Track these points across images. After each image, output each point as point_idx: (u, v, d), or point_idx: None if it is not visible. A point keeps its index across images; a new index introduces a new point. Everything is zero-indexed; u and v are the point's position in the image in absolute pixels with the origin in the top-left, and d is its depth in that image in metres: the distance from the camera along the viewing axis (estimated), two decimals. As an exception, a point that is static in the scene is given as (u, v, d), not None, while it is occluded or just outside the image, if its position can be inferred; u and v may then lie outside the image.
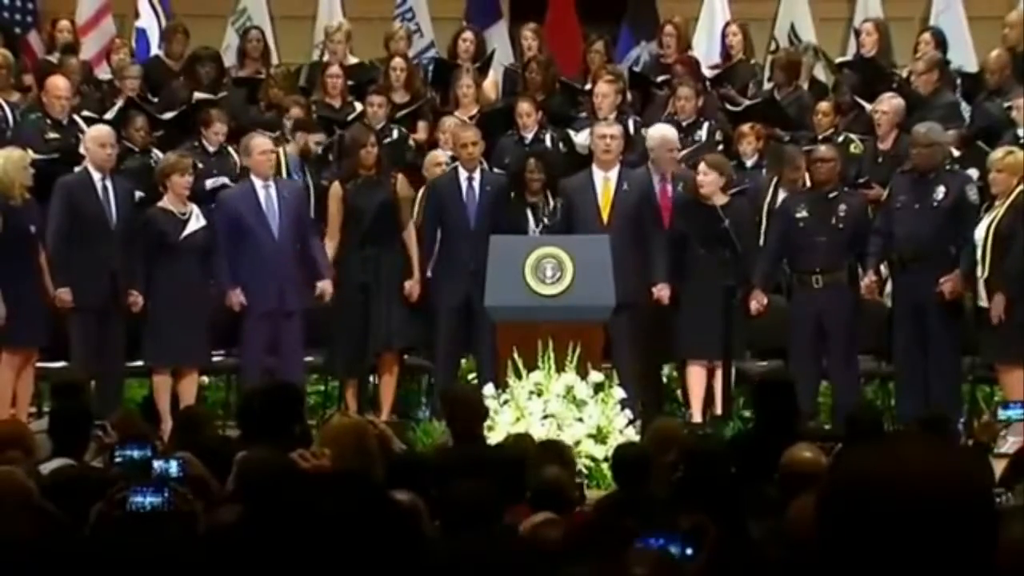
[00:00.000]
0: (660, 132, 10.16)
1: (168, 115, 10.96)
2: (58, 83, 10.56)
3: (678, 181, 10.03)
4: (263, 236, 9.71)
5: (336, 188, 9.96)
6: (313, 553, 2.12)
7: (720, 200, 9.66)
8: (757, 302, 9.73)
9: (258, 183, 9.79)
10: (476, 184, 9.97)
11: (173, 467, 5.17)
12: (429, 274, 9.96)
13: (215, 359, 9.95)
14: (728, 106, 10.99)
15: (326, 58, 11.92)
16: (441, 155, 10.41)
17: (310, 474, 4.90)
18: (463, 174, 9.99)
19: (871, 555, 2.00)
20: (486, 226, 9.69)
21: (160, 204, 9.68)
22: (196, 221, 9.65)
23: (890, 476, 2.01)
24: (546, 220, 9.80)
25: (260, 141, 9.88)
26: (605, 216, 9.77)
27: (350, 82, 11.62)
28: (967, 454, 2.26)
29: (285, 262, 9.71)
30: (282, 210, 9.75)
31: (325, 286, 9.76)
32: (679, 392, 10.02)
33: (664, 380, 10.13)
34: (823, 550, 2.03)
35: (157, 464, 5.23)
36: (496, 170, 10.43)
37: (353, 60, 12.05)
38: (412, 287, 9.84)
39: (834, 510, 2.04)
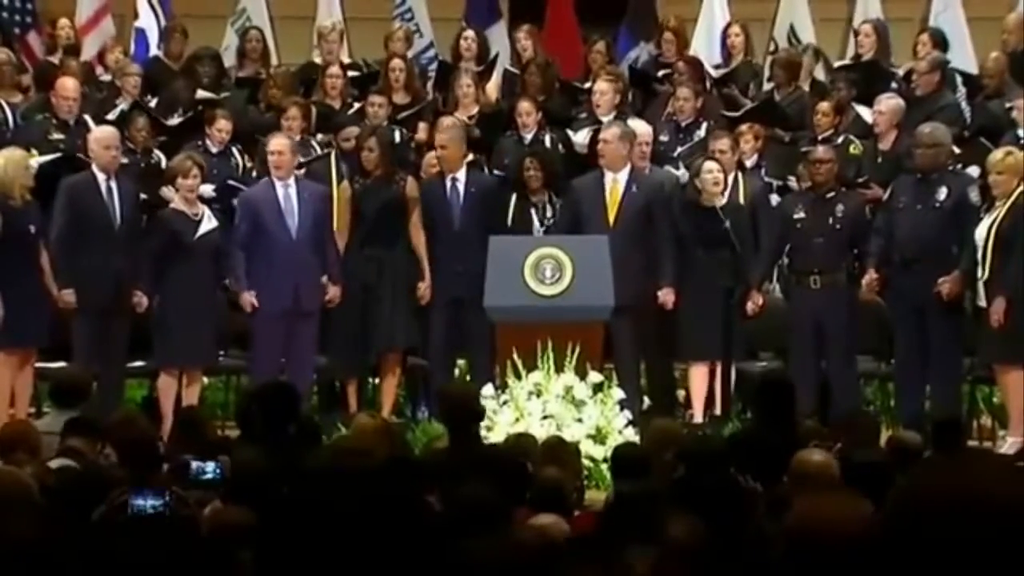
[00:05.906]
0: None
1: (173, 121, 10.94)
2: (67, 84, 10.59)
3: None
4: (280, 235, 9.65)
5: (345, 188, 9.96)
6: (333, 550, 2.11)
7: (720, 201, 9.66)
8: (753, 303, 9.74)
9: (278, 183, 9.73)
10: (460, 186, 9.92)
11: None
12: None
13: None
14: (726, 113, 10.97)
15: (320, 59, 11.88)
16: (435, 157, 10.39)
17: (326, 473, 4.91)
18: (447, 176, 9.97)
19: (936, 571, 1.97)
20: (472, 227, 9.68)
21: (173, 205, 9.67)
22: (208, 222, 9.63)
23: (968, 496, 1.97)
24: (548, 220, 9.79)
25: (272, 141, 9.84)
26: (612, 217, 9.75)
27: (351, 73, 11.60)
28: None
29: (301, 262, 9.64)
30: (301, 211, 9.68)
31: (334, 293, 9.73)
32: (680, 392, 10.04)
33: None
34: (884, 560, 2.00)
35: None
36: (496, 171, 10.42)
37: (346, 59, 12.02)
38: (425, 289, 9.83)
39: (904, 524, 2.01)
